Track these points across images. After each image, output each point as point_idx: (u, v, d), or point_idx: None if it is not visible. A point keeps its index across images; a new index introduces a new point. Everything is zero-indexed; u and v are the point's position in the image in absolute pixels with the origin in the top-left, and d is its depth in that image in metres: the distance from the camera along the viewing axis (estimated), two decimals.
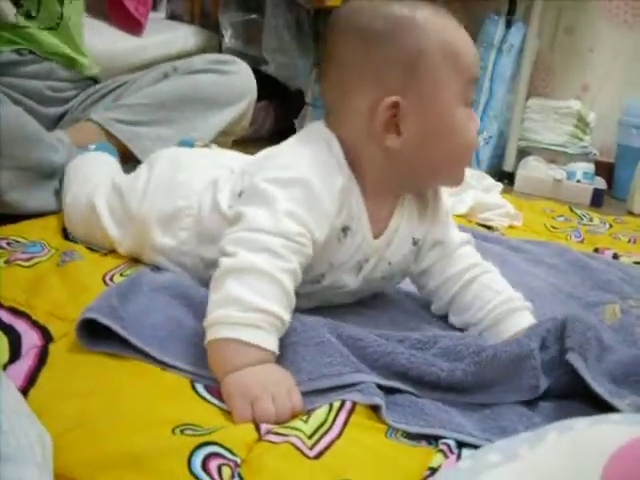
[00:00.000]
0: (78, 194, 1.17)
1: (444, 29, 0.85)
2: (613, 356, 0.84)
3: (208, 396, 0.73)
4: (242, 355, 0.72)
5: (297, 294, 0.78)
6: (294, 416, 0.70)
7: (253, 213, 0.79)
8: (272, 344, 0.74)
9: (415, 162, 0.87)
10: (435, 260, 0.98)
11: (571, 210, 1.98)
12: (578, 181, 2.40)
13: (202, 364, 0.75)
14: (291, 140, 0.91)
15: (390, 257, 0.94)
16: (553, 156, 2.54)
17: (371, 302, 1.00)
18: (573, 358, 0.77)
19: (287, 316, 0.76)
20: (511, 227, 1.69)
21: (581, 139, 2.53)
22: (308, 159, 0.84)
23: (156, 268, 1.00)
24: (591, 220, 1.90)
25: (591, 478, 0.53)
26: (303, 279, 0.81)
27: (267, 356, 0.73)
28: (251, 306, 0.72)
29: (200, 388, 0.74)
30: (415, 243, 0.96)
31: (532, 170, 2.46)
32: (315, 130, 0.89)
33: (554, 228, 1.75)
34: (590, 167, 2.45)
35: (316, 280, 0.90)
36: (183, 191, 1.00)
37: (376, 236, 0.91)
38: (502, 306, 0.93)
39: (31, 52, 1.52)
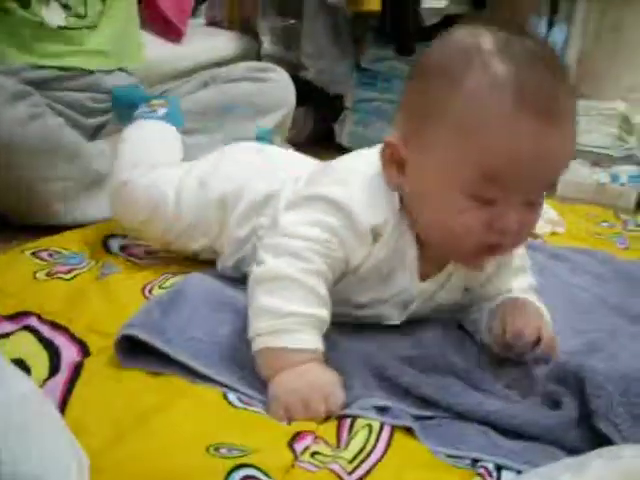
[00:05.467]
0: (138, 179, 1.10)
1: (485, 94, 0.70)
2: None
3: (241, 405, 0.74)
4: (282, 359, 0.74)
5: (340, 315, 0.81)
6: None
7: (285, 219, 0.80)
8: (308, 342, 0.75)
9: (420, 217, 0.81)
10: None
11: (615, 215, 1.93)
12: (622, 184, 2.34)
13: (245, 377, 0.78)
14: (356, 156, 0.88)
15: (440, 299, 0.90)
16: (596, 159, 2.49)
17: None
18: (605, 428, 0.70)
19: (319, 311, 0.76)
20: (553, 234, 1.65)
21: (626, 141, 2.48)
22: (360, 183, 0.81)
23: (197, 276, 0.98)
24: (637, 225, 1.86)
25: None
26: (345, 303, 0.83)
27: (308, 355, 0.75)
28: (280, 312, 0.74)
29: (233, 399, 0.75)
30: (467, 289, 0.91)
31: (575, 173, 2.41)
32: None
33: (598, 234, 1.70)
34: (636, 170, 2.38)
35: (359, 306, 0.88)
36: (276, 177, 1.00)
37: (424, 278, 0.86)
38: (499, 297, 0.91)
39: (75, 68, 1.53)
